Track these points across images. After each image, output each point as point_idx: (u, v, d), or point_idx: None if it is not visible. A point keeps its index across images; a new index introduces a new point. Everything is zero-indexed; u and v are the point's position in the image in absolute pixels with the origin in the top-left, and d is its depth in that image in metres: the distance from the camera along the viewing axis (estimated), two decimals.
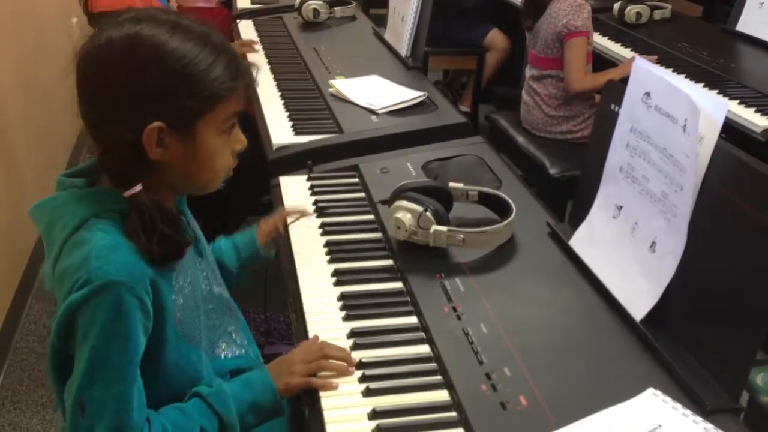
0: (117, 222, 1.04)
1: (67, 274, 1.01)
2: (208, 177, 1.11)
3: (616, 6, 3.33)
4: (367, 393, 1.10)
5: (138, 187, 1.04)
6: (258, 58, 2.59)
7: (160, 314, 1.05)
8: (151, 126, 1.02)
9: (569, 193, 2.51)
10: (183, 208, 1.20)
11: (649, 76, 1.26)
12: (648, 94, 1.26)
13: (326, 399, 1.10)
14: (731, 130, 2.28)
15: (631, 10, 3.27)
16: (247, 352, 1.29)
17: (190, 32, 1.05)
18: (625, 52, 3.07)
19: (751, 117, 2.32)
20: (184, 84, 1.03)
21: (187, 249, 1.10)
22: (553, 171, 2.70)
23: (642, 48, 3.03)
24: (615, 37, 3.22)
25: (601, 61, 3.00)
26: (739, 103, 2.40)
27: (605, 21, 3.34)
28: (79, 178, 1.11)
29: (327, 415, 1.07)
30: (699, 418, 1.00)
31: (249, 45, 2.56)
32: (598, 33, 3.11)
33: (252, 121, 2.38)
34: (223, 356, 1.23)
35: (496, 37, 4.06)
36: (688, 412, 1.01)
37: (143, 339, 1.02)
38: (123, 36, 1.02)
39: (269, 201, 1.80)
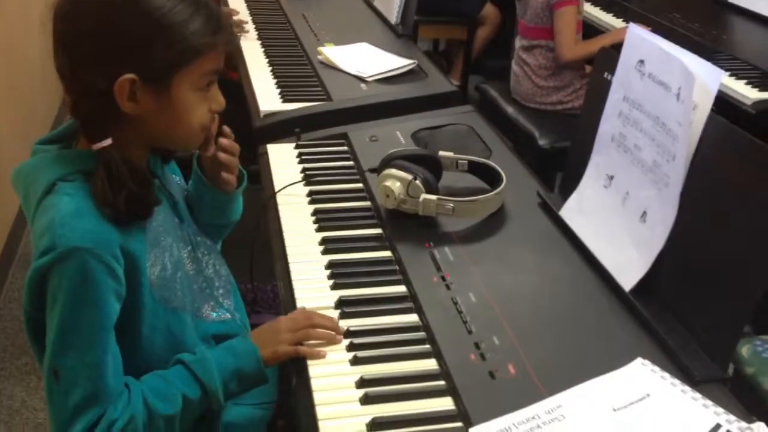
0: (84, 183, 1.02)
1: (34, 240, 1.00)
2: (183, 134, 1.10)
3: None
4: (355, 361, 1.09)
5: (108, 141, 1.03)
6: (245, 23, 2.54)
7: (134, 278, 1.04)
8: (123, 78, 1.00)
9: (558, 165, 2.51)
10: (156, 169, 1.18)
11: (643, 43, 1.24)
12: (642, 61, 1.24)
13: (314, 367, 1.09)
14: (721, 102, 2.25)
15: None
16: (234, 317, 1.27)
17: None
18: (616, 22, 3.05)
19: (741, 89, 2.31)
20: (161, 34, 1.01)
21: (155, 209, 1.09)
22: (542, 142, 2.69)
23: (633, 18, 3.00)
24: (606, 7, 3.19)
25: (592, 31, 2.98)
26: (730, 75, 2.39)
27: None
28: (53, 145, 1.09)
29: (314, 383, 1.06)
30: (687, 388, 1.00)
31: (239, 26, 2.49)
32: (589, 3, 3.08)
33: (237, 88, 2.34)
34: (209, 319, 1.21)
35: (488, 10, 4.02)
36: (677, 381, 1.01)
37: (115, 305, 1.01)
38: None
39: (256, 170, 1.78)
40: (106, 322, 1.00)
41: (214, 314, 1.24)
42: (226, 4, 2.78)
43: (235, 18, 2.55)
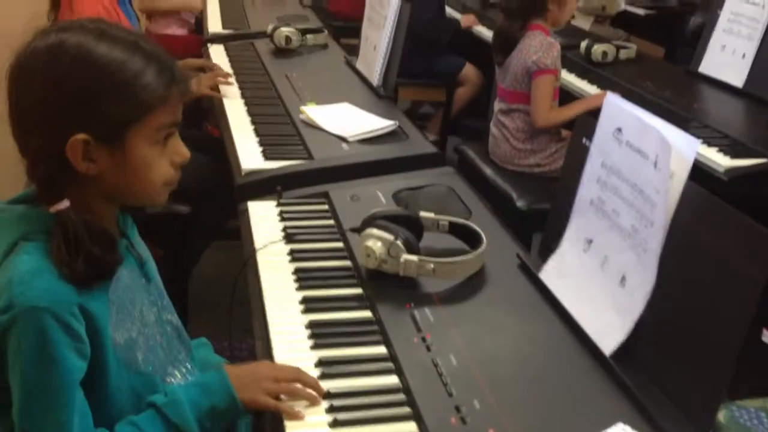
0: (45, 243, 1.01)
1: None
2: (145, 190, 1.08)
3: (583, 44, 3.40)
4: (335, 424, 1.07)
5: (65, 203, 1.02)
6: (229, 82, 2.57)
7: (96, 339, 1.02)
8: (75, 138, 0.99)
9: (535, 226, 2.53)
10: (127, 229, 1.17)
11: (620, 112, 1.28)
12: (619, 129, 1.27)
13: (292, 429, 1.07)
14: (694, 169, 2.31)
15: (598, 48, 3.34)
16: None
17: (118, 39, 1.03)
18: (591, 89, 3.13)
19: (713, 156, 2.37)
20: (110, 92, 1.00)
21: (120, 269, 1.07)
22: (520, 204, 2.72)
23: (607, 86, 3.09)
24: (581, 74, 3.28)
25: (568, 98, 3.05)
26: (702, 143, 2.45)
27: (572, 58, 3.40)
28: (20, 205, 1.08)
29: None
30: None
31: (225, 76, 2.51)
32: (565, 69, 3.16)
33: (216, 145, 2.35)
34: (174, 383, 1.19)
35: (469, 72, 4.12)
36: None
37: (78, 362, 0.99)
38: (45, 45, 1.01)
39: (235, 227, 1.77)
40: (70, 379, 0.99)
41: (180, 377, 1.21)
42: (210, 59, 2.82)
43: (220, 79, 2.57)
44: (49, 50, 1.00)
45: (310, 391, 1.12)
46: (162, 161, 1.08)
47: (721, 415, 1.56)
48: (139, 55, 1.03)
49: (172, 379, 1.19)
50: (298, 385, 1.12)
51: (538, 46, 2.78)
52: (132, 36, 1.05)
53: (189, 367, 1.24)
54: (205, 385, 1.12)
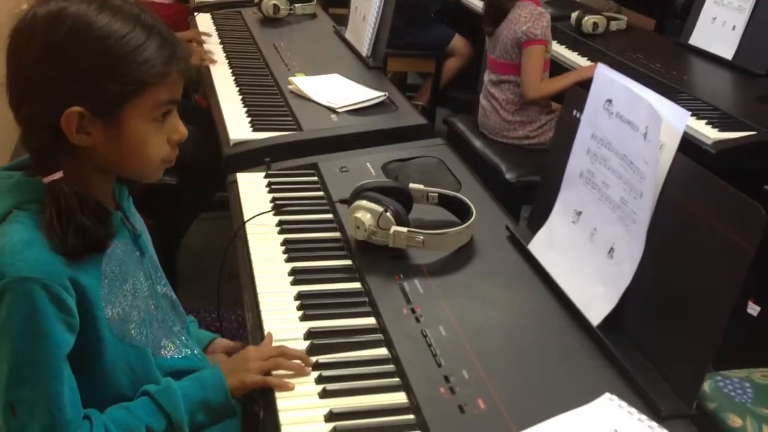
0: (38, 213, 1.01)
1: None
2: (140, 165, 1.07)
3: (574, 15, 3.38)
4: (324, 394, 1.08)
5: (58, 174, 1.01)
6: (216, 51, 2.54)
7: (89, 312, 1.02)
8: (70, 110, 0.98)
9: (525, 198, 2.54)
10: (122, 201, 1.16)
11: (611, 84, 1.27)
12: (610, 101, 1.27)
13: (282, 400, 1.08)
14: (682, 141, 2.31)
15: (589, 20, 3.32)
16: (192, 352, 1.25)
17: (120, 11, 1.01)
18: (582, 61, 3.11)
19: (702, 129, 2.37)
20: (108, 66, 0.99)
21: (113, 242, 1.07)
22: (509, 176, 2.72)
23: (597, 57, 3.08)
24: (572, 46, 3.26)
25: (558, 69, 3.04)
26: (692, 115, 2.45)
27: (563, 30, 3.38)
28: (17, 172, 1.07)
29: (283, 417, 1.05)
30: (654, 424, 1.01)
31: (209, 54, 2.48)
32: (555, 41, 3.14)
33: (204, 115, 2.33)
34: (169, 356, 1.19)
35: (458, 43, 4.09)
36: (644, 417, 1.02)
37: (66, 335, 0.99)
38: (46, 13, 0.99)
39: (224, 198, 1.77)
40: (58, 352, 0.98)
41: (174, 349, 1.22)
42: (197, 28, 2.78)
43: (206, 46, 2.55)
44: (48, 17, 0.98)
45: (296, 362, 1.12)
46: (159, 138, 1.06)
47: (707, 385, 1.58)
48: (139, 29, 1.01)
49: (166, 351, 1.19)
50: (286, 360, 1.12)
51: (528, 16, 2.76)
52: (135, 9, 1.03)
53: (184, 339, 1.24)
54: (199, 378, 1.12)
